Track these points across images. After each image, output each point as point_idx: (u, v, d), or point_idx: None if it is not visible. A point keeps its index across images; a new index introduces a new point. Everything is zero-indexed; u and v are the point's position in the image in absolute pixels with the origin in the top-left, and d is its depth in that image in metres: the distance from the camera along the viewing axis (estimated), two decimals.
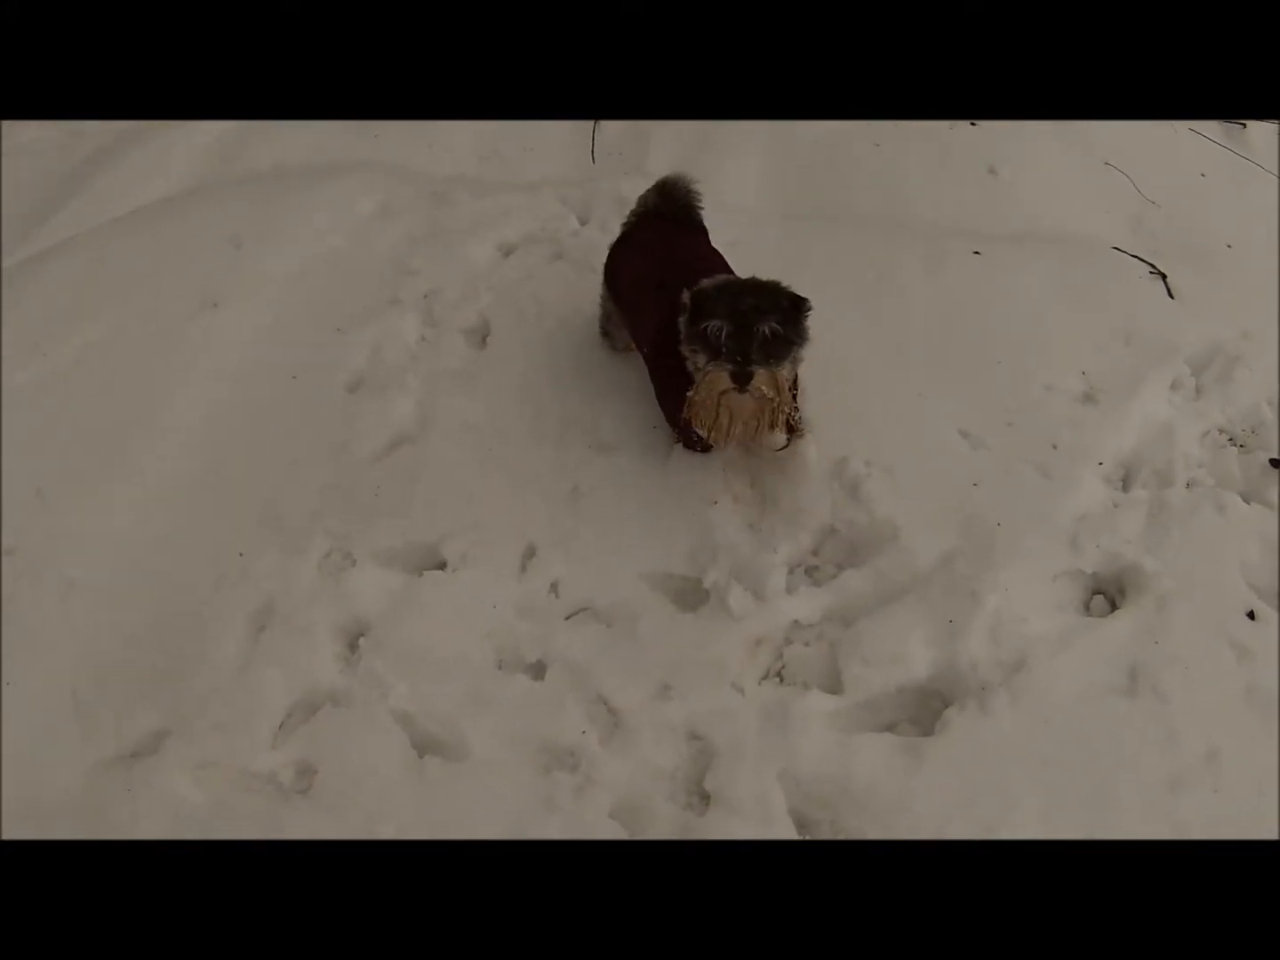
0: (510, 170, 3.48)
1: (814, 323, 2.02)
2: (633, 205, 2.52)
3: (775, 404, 1.99)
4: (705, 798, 1.79)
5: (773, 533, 2.13)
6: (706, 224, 2.50)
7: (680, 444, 2.24)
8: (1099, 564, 2.07)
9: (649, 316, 2.22)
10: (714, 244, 2.44)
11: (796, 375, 2.11)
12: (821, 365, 2.23)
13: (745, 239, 2.69)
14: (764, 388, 1.95)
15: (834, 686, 1.92)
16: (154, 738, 1.88)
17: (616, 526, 2.16)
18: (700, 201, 2.47)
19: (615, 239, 2.48)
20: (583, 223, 3.02)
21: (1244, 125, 3.59)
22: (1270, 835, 1.69)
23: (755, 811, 1.74)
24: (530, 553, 2.15)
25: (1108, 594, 2.06)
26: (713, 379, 1.96)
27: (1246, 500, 2.19)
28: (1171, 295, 2.72)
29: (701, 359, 1.98)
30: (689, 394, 2.03)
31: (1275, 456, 2.27)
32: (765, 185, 3.32)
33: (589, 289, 2.59)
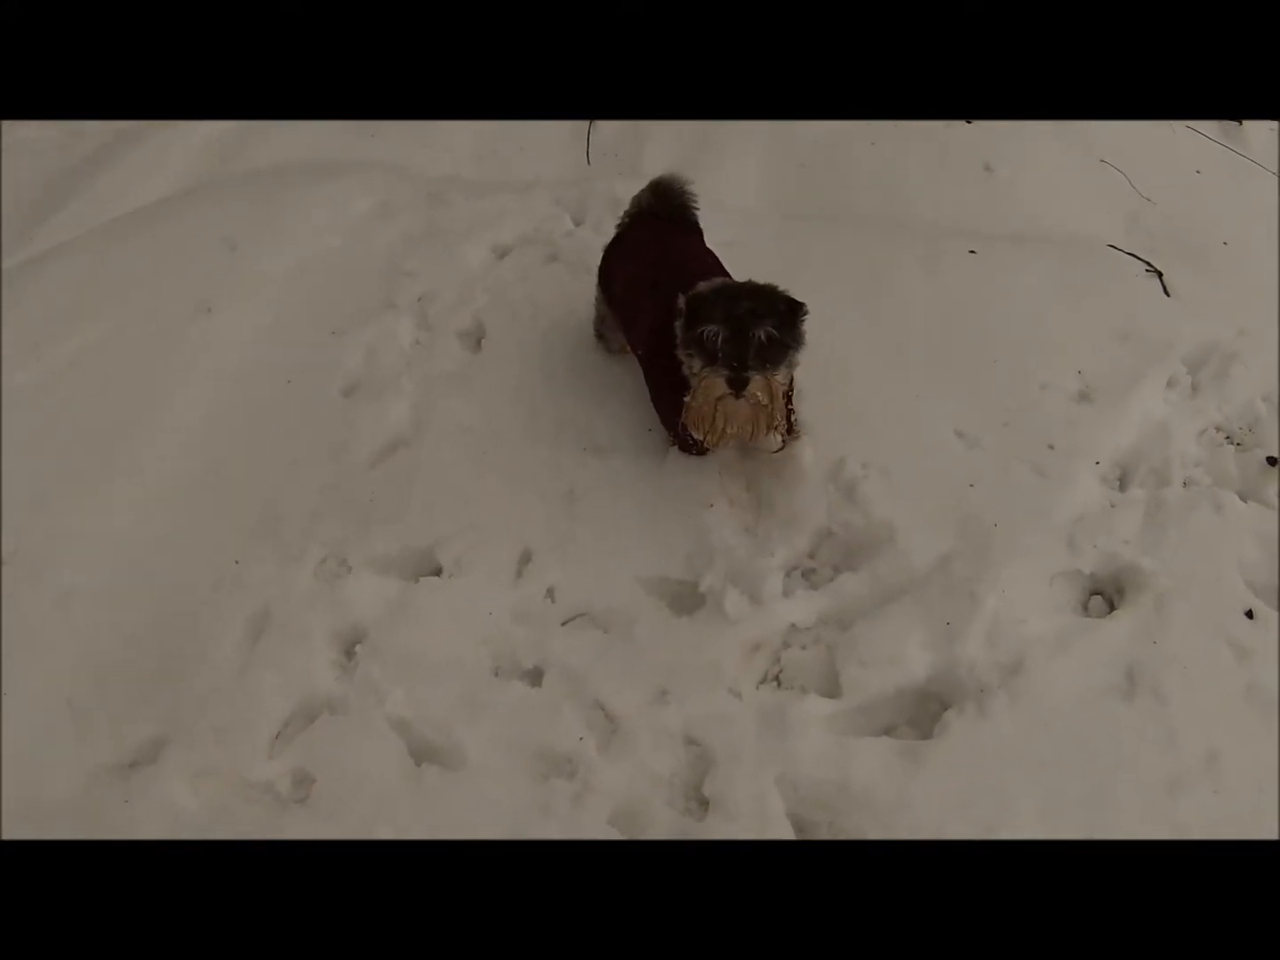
0: (506, 170, 3.48)
1: (813, 323, 2.01)
2: (627, 206, 2.51)
3: (771, 409, 1.99)
4: (704, 803, 1.78)
5: (769, 536, 2.12)
6: (705, 224, 2.49)
7: (676, 446, 2.24)
8: (1096, 564, 2.06)
9: (643, 318, 2.21)
10: (712, 244, 2.42)
11: (793, 378, 2.10)
12: (820, 366, 2.22)
13: (744, 239, 2.69)
14: (760, 393, 1.95)
15: (831, 690, 1.91)
16: (153, 745, 1.88)
17: (612, 530, 2.15)
18: (695, 201, 2.46)
19: (609, 240, 2.46)
20: (577, 224, 3.01)
21: (1240, 123, 3.58)
22: (1270, 835, 1.68)
23: (754, 816, 1.73)
24: (526, 557, 2.14)
25: (1105, 594, 2.06)
26: (709, 385, 1.96)
27: (1244, 499, 2.18)
28: (1168, 293, 2.71)
29: (698, 364, 1.98)
30: (685, 399, 2.02)
31: (1272, 454, 2.26)
32: (764, 185, 3.32)
33: (584, 291, 2.58)
